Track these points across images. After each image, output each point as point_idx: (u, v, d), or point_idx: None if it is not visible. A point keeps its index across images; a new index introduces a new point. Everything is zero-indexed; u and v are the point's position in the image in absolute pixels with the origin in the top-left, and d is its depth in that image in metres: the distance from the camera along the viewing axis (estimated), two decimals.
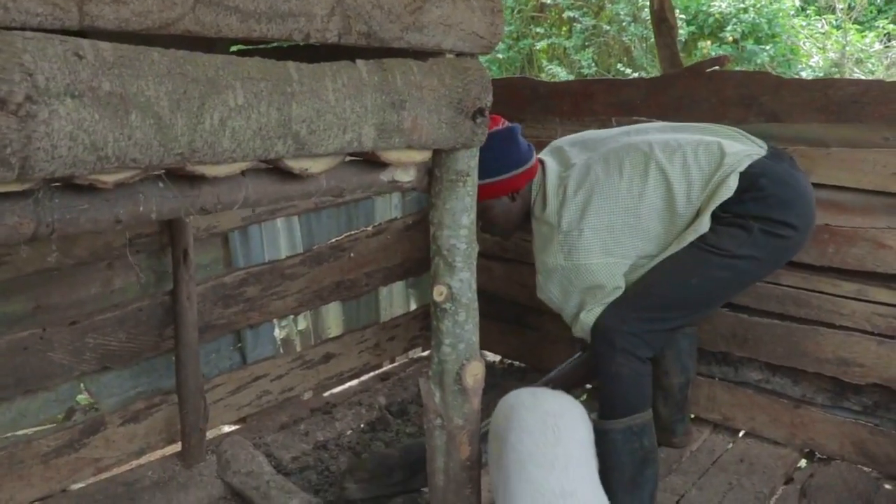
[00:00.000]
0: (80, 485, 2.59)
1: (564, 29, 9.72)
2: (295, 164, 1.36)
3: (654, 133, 2.46)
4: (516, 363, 3.61)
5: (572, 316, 2.41)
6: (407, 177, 1.67)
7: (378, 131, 1.42)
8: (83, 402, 2.67)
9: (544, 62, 9.34)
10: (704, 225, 2.25)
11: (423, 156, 1.61)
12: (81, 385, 2.59)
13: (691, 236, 2.27)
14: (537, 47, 9.52)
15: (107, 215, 1.19)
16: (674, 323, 2.33)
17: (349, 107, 1.35)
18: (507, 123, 2.42)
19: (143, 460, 2.73)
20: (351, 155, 1.51)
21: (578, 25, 9.35)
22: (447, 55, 1.58)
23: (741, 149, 2.31)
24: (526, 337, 3.46)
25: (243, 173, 1.35)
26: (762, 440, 2.79)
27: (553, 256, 2.37)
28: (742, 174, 2.22)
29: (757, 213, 2.22)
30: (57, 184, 1.14)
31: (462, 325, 1.77)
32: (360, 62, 1.39)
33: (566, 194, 2.37)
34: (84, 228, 1.18)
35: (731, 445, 2.80)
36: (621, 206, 2.31)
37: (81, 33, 1.05)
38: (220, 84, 1.16)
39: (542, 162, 2.50)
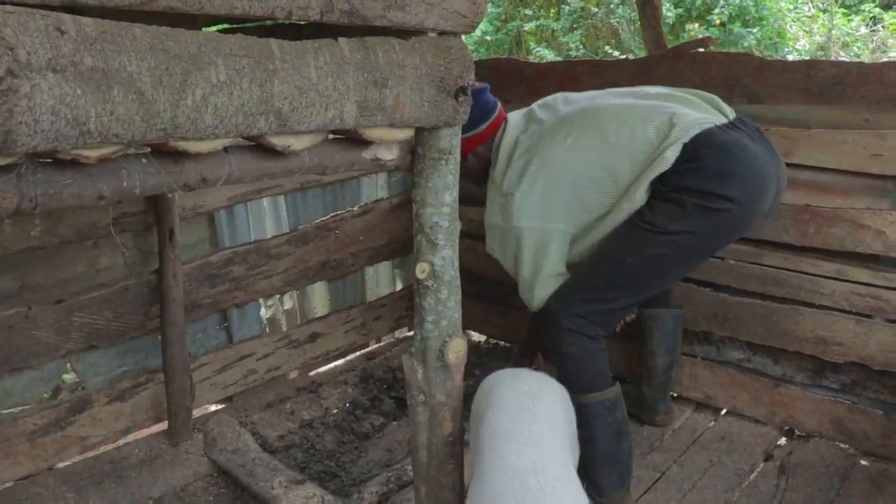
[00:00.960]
0: (66, 463, 2.61)
1: (553, 11, 9.69)
2: (277, 141, 1.37)
3: (618, 98, 2.43)
4: (501, 343, 3.64)
5: (524, 281, 2.40)
6: (390, 155, 1.68)
7: (360, 109, 1.43)
8: (69, 380, 2.69)
9: (532, 44, 9.32)
10: (639, 195, 2.21)
11: (405, 134, 1.62)
12: (67, 364, 2.60)
13: (625, 205, 2.24)
14: (525, 29, 9.49)
15: (90, 190, 1.20)
16: (620, 303, 2.31)
17: (331, 84, 1.36)
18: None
19: (129, 438, 2.76)
20: (334, 133, 1.52)
21: (567, 7, 9.32)
22: (429, 34, 1.58)
23: (695, 118, 2.23)
24: (511, 317, 3.49)
25: (226, 150, 1.36)
26: (743, 418, 2.83)
27: (493, 215, 2.41)
28: (686, 144, 2.17)
29: (694, 185, 2.16)
30: (40, 159, 1.14)
31: (444, 302, 1.79)
32: (342, 40, 1.39)
33: (513, 156, 2.39)
34: (67, 203, 1.19)
35: (712, 423, 2.84)
36: (559, 173, 2.29)
37: (68, 9, 1.06)
38: (203, 60, 1.17)
39: (506, 120, 2.50)
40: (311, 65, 1.32)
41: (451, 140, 1.69)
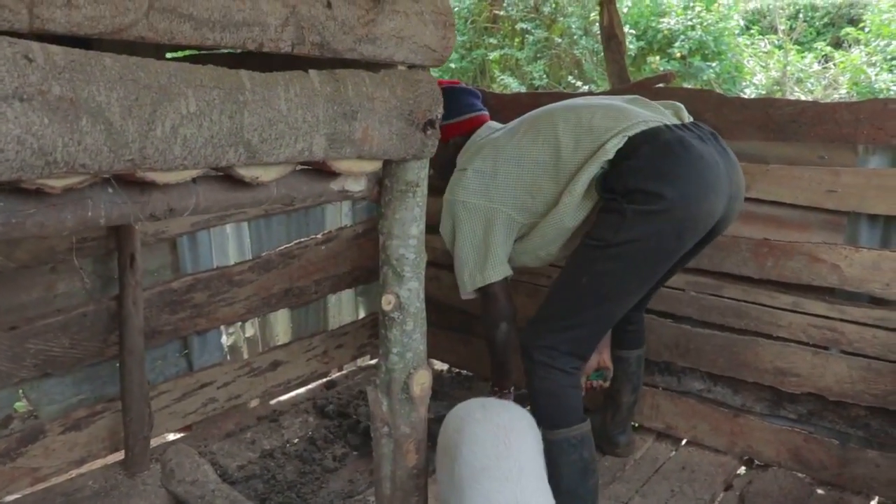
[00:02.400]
0: (16, 496, 2.53)
1: (517, 40, 9.82)
2: (246, 173, 1.37)
3: (579, 100, 2.52)
4: (464, 372, 3.64)
5: (459, 260, 2.45)
6: (357, 186, 1.68)
7: (329, 141, 1.43)
8: (21, 409, 2.62)
9: (497, 73, 9.43)
10: (579, 188, 2.20)
11: (373, 166, 1.63)
12: (20, 392, 2.53)
13: (566, 198, 2.23)
14: (490, 58, 9.60)
15: (54, 220, 1.18)
16: (588, 327, 2.25)
17: (301, 116, 1.36)
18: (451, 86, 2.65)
19: (84, 469, 2.69)
20: (302, 164, 1.52)
21: (531, 37, 9.46)
22: (399, 67, 1.60)
23: (644, 115, 2.23)
24: (473, 346, 3.49)
25: (194, 180, 1.35)
26: (703, 448, 2.86)
27: (447, 191, 2.49)
28: (630, 138, 2.15)
29: (632, 185, 2.10)
30: (2, 188, 1.12)
31: (410, 334, 1.78)
32: (312, 72, 1.40)
33: (475, 143, 2.50)
34: (30, 233, 1.17)
35: (673, 453, 2.86)
36: (508, 156, 2.36)
37: (37, 37, 1.05)
38: (173, 91, 1.16)
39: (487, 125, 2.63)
40: (282, 97, 1.33)
41: (418, 173, 1.70)
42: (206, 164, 1.25)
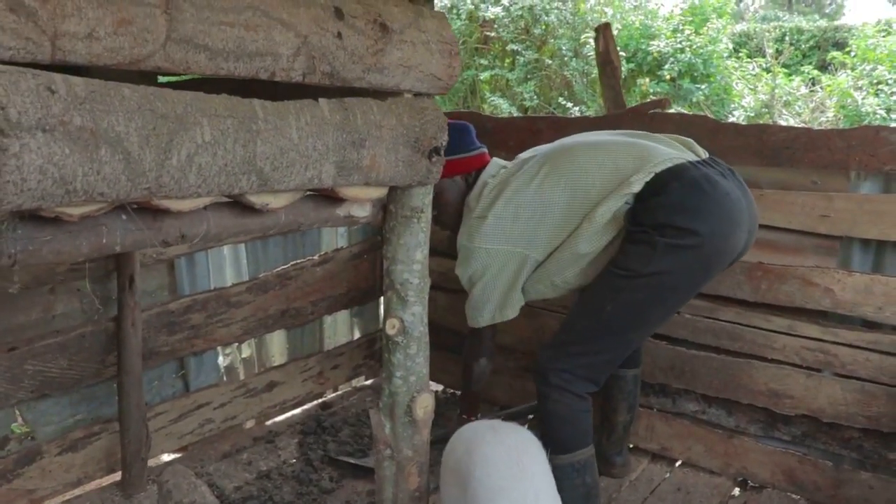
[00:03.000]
0: None
1: (507, 61, 9.91)
2: (256, 200, 1.39)
3: (594, 136, 2.53)
4: (458, 392, 3.64)
5: (475, 297, 2.49)
6: (363, 212, 1.71)
7: (338, 168, 1.46)
8: (18, 430, 2.61)
9: (487, 93, 9.50)
10: (599, 215, 2.23)
11: (379, 192, 1.65)
12: (17, 413, 2.52)
13: (585, 224, 2.27)
14: (480, 78, 9.68)
15: (69, 247, 1.20)
16: (605, 355, 2.30)
17: (311, 145, 1.38)
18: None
19: (80, 491, 2.67)
20: (310, 191, 1.54)
21: (521, 58, 9.55)
22: (405, 95, 1.63)
23: (668, 153, 2.27)
24: None
25: (205, 207, 1.37)
26: (698, 469, 2.88)
27: (463, 237, 2.50)
28: (658, 175, 2.19)
29: (663, 220, 2.15)
30: (21, 215, 1.14)
31: (413, 357, 1.81)
32: (322, 101, 1.42)
33: (488, 184, 2.50)
34: (46, 260, 1.18)
35: (668, 475, 2.88)
36: (530, 198, 2.36)
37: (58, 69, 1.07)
38: (189, 121, 1.18)
39: (491, 162, 2.63)
40: (293, 125, 1.35)
41: (423, 199, 1.72)
42: (220, 192, 1.28)
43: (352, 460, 2.89)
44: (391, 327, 1.77)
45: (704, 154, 2.36)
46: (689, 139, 2.42)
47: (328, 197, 1.60)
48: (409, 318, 1.76)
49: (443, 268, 3.17)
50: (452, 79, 1.68)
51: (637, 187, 2.20)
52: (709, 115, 2.90)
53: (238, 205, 1.43)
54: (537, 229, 2.36)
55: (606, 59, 3.06)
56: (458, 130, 2.51)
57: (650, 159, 2.24)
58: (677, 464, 2.94)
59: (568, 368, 2.26)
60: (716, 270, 2.27)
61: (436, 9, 1.75)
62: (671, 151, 2.30)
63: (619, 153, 2.31)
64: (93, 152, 1.07)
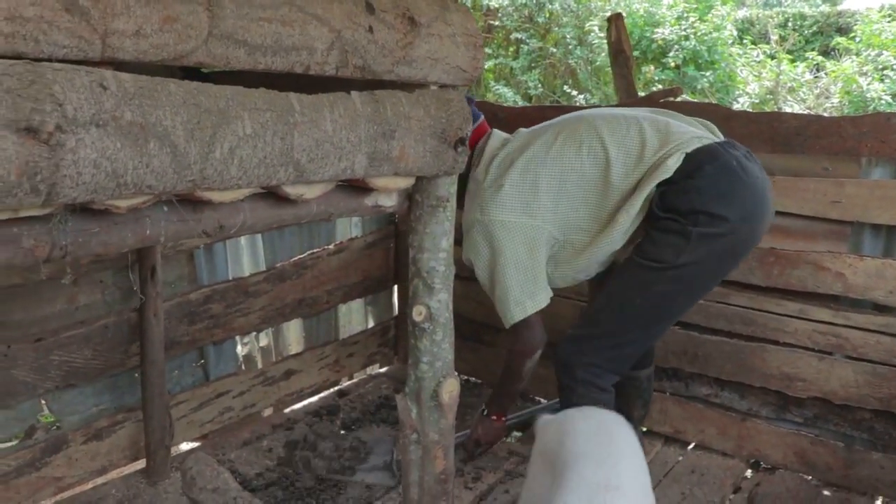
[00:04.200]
0: None
1: (511, 50, 9.92)
2: (292, 191, 1.42)
3: (608, 110, 2.45)
4: (472, 379, 3.69)
5: (501, 289, 2.29)
6: (390, 202, 1.74)
7: (370, 160, 1.49)
8: (45, 420, 2.65)
9: (491, 82, 9.52)
10: (636, 203, 2.14)
11: (407, 182, 1.69)
12: (42, 402, 2.57)
13: (622, 217, 2.16)
14: (485, 67, 9.69)
15: (116, 239, 1.23)
16: (633, 346, 2.27)
17: (345, 136, 1.42)
18: None
19: (106, 478, 2.72)
20: (341, 181, 1.58)
21: (525, 47, 9.57)
22: (431, 87, 1.66)
23: (693, 132, 2.21)
24: (482, 353, 3.55)
25: (242, 198, 1.41)
26: (711, 452, 2.93)
27: (472, 212, 2.32)
28: (688, 156, 2.12)
29: (697, 206, 2.08)
30: (72, 208, 1.17)
31: (439, 343, 1.84)
32: (354, 94, 1.46)
33: (498, 155, 2.35)
34: (94, 251, 1.22)
35: (681, 457, 2.92)
36: (549, 169, 2.23)
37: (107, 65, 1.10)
38: (230, 114, 1.22)
39: (492, 132, 2.50)
40: (328, 118, 1.38)
41: (448, 188, 1.76)
42: (259, 184, 1.31)
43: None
44: (418, 314, 1.80)
45: (722, 136, 2.31)
46: (706, 121, 2.38)
47: (357, 187, 1.63)
48: (435, 304, 1.80)
49: (456, 255, 3.20)
50: (477, 70, 1.71)
51: (671, 172, 2.11)
52: (719, 104, 2.91)
53: (272, 195, 1.47)
54: (560, 202, 2.23)
55: (619, 49, 3.09)
56: None
57: (677, 137, 2.16)
58: (690, 446, 2.99)
59: (596, 363, 2.22)
60: (743, 256, 2.24)
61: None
62: (696, 131, 2.23)
63: (643, 128, 2.21)
64: (142, 146, 1.11)
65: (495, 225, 2.27)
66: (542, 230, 2.24)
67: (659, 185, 2.13)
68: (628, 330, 2.23)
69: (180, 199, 1.31)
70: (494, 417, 2.70)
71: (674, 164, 2.11)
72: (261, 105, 1.27)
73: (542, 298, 2.32)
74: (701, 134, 2.22)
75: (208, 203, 1.32)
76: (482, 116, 2.59)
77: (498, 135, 2.50)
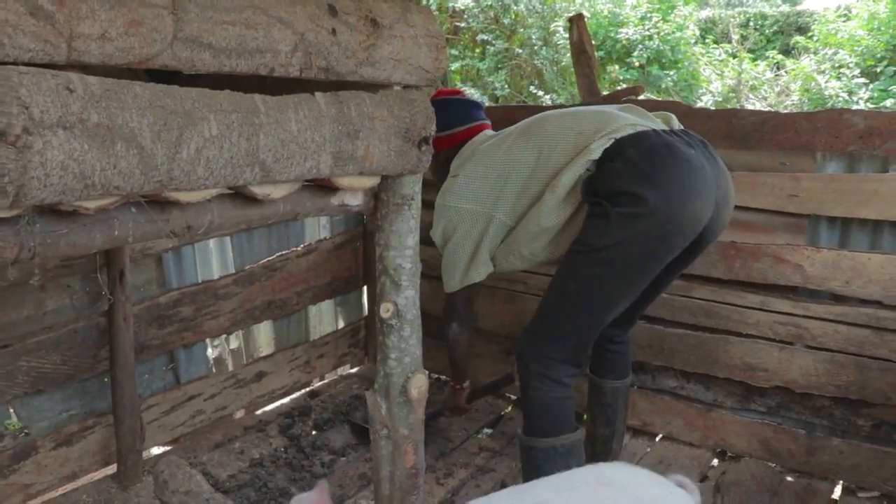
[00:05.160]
0: None
1: (478, 51, 9.98)
2: (259, 190, 1.45)
3: (574, 108, 2.57)
4: (443, 377, 3.72)
5: (447, 259, 2.52)
6: (356, 201, 1.77)
7: (335, 159, 1.52)
8: (13, 426, 2.64)
9: (458, 83, 9.56)
10: (562, 184, 2.21)
11: (372, 181, 1.72)
12: (10, 409, 2.56)
13: (548, 195, 2.25)
14: (451, 69, 9.73)
15: (84, 240, 1.25)
16: (578, 336, 2.26)
17: (310, 137, 1.44)
18: (449, 97, 2.74)
19: (76, 484, 2.71)
20: (307, 181, 1.60)
21: (491, 48, 9.63)
22: (395, 87, 1.69)
23: (633, 121, 2.23)
24: None
25: (209, 199, 1.43)
26: (678, 442, 2.99)
27: (439, 196, 2.53)
28: (618, 140, 2.15)
29: (616, 187, 2.10)
30: (40, 209, 1.19)
31: (407, 339, 1.87)
32: (318, 95, 1.48)
33: (469, 149, 2.55)
34: (63, 252, 1.23)
35: (649, 449, 2.98)
36: (497, 161, 2.39)
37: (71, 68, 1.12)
38: (196, 116, 1.24)
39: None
40: (293, 119, 1.41)
41: (413, 186, 1.79)
42: (226, 184, 1.33)
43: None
44: (385, 311, 1.83)
45: (678, 127, 2.33)
46: (670, 114, 2.40)
47: (323, 186, 1.66)
48: (402, 301, 1.83)
49: (424, 255, 3.23)
50: (440, 71, 1.74)
51: (597, 154, 2.16)
52: (680, 102, 2.98)
53: (240, 196, 1.49)
54: (503, 190, 2.36)
55: (580, 49, 3.14)
56: (448, 105, 2.63)
57: (612, 125, 2.21)
58: (658, 438, 3.05)
59: (547, 354, 2.24)
60: (676, 241, 2.16)
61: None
62: (637, 119, 2.27)
63: (584, 118, 2.30)
64: (109, 148, 1.12)
65: (450, 210, 2.46)
66: (489, 217, 2.39)
67: (589, 171, 2.20)
68: (569, 318, 2.24)
69: (148, 199, 1.33)
70: (452, 384, 2.99)
71: (598, 147, 2.16)
72: (226, 106, 1.30)
73: (477, 275, 2.48)
74: (640, 122, 2.23)
75: (176, 203, 1.34)
76: (484, 120, 2.72)
77: (484, 134, 2.65)
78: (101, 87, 1.12)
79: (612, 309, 2.24)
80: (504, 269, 2.51)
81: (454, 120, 2.65)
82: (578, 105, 3.02)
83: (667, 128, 2.26)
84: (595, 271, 2.16)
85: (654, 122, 2.29)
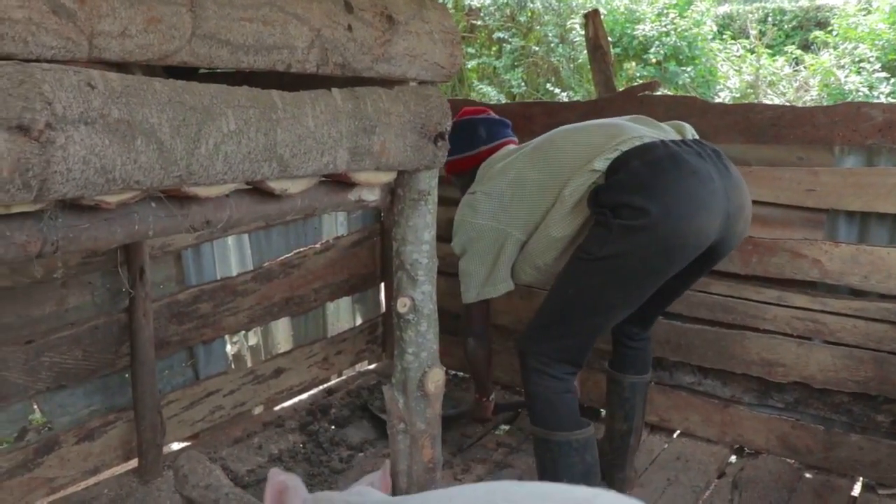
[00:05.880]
0: None
1: (494, 49, 9.97)
2: (276, 185, 1.46)
3: (587, 122, 2.55)
4: (460, 374, 3.73)
5: (464, 272, 2.57)
6: (372, 196, 1.78)
7: (351, 154, 1.53)
8: (36, 421, 2.68)
9: (475, 81, 9.56)
10: (567, 195, 2.24)
11: (388, 177, 1.73)
12: (34, 404, 2.59)
13: (557, 206, 2.29)
14: (468, 67, 9.73)
15: (105, 234, 1.27)
16: (576, 338, 2.27)
17: (327, 132, 1.46)
18: (474, 116, 2.76)
19: (98, 478, 2.74)
20: (324, 176, 1.62)
21: (508, 46, 9.61)
22: (411, 83, 1.70)
23: (641, 132, 2.22)
24: None
25: (228, 194, 1.44)
26: (695, 438, 2.99)
27: (458, 212, 2.58)
28: (625, 153, 2.15)
29: (619, 199, 2.09)
30: (62, 204, 1.21)
31: (424, 334, 1.89)
32: (335, 91, 1.50)
33: (490, 166, 2.59)
34: (85, 247, 1.25)
35: (667, 445, 2.98)
36: (513, 178, 2.43)
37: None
38: (215, 112, 1.26)
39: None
40: (309, 114, 1.43)
41: (429, 182, 1.80)
42: (244, 179, 1.35)
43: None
44: (402, 306, 1.85)
45: (691, 137, 2.32)
46: (684, 124, 2.40)
47: (340, 182, 1.67)
48: (419, 296, 1.84)
49: (440, 252, 3.25)
50: (455, 67, 1.75)
51: (601, 165, 2.17)
52: (696, 97, 2.97)
53: (258, 191, 1.51)
54: (516, 206, 2.40)
55: (596, 44, 3.14)
56: (480, 124, 2.69)
57: (620, 137, 2.21)
58: (675, 434, 3.04)
59: (544, 351, 2.26)
60: (678, 255, 2.12)
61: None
62: (646, 130, 2.26)
63: (594, 132, 2.32)
64: (130, 143, 1.14)
65: (468, 226, 2.51)
66: (505, 234, 2.43)
67: (595, 183, 2.21)
68: (567, 321, 2.26)
69: (168, 194, 1.35)
70: (477, 396, 3.01)
71: (601, 164, 2.18)
72: (244, 102, 1.31)
73: (494, 290, 2.53)
74: (649, 133, 2.23)
75: (195, 199, 1.36)
76: (505, 138, 2.73)
77: (507, 150, 2.67)
78: (121, 84, 1.14)
79: (612, 315, 2.25)
80: (523, 282, 2.55)
81: (480, 140, 2.69)
82: (595, 101, 3.03)
83: (678, 138, 2.25)
84: (594, 280, 2.18)
85: (664, 133, 2.28)
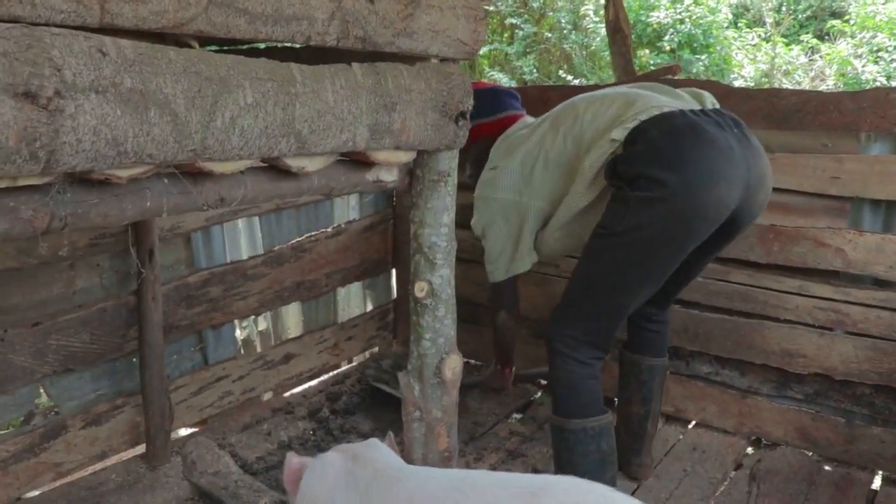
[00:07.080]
0: (39, 491, 2.55)
1: (506, 35, 9.88)
2: (293, 163, 1.41)
3: (604, 90, 2.53)
4: (472, 361, 3.69)
5: (490, 251, 2.57)
6: (390, 177, 1.73)
7: (371, 132, 1.48)
8: (43, 405, 2.64)
9: (486, 68, 9.48)
10: (587, 166, 2.20)
11: (408, 156, 1.67)
12: (41, 388, 2.55)
13: (578, 178, 2.26)
14: (479, 53, 9.65)
15: (116, 210, 1.22)
16: (603, 320, 2.22)
17: (346, 108, 1.40)
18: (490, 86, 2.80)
19: (105, 463, 2.71)
20: (341, 155, 1.56)
21: (520, 32, 9.52)
22: (432, 60, 1.64)
23: (660, 101, 2.18)
24: (482, 335, 3.53)
25: (242, 171, 1.39)
26: (712, 429, 2.93)
27: (477, 188, 2.57)
28: (643, 122, 2.09)
29: (636, 171, 2.05)
30: (70, 178, 1.16)
31: (441, 319, 1.84)
32: (355, 65, 1.44)
33: (508, 139, 2.57)
34: (94, 223, 1.20)
35: (682, 435, 2.93)
36: (532, 152, 2.42)
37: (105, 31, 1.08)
38: (231, 83, 1.20)
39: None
40: (329, 89, 1.37)
41: (449, 163, 1.75)
42: (260, 155, 1.30)
43: (387, 389, 3.12)
44: (420, 290, 1.80)
45: (711, 106, 2.25)
46: (703, 92, 2.32)
47: (358, 161, 1.62)
48: (437, 280, 1.79)
49: (458, 236, 3.20)
50: (478, 44, 1.69)
51: (619, 134, 2.11)
52: (718, 82, 2.90)
53: (273, 168, 1.46)
54: (539, 178, 2.39)
55: (616, 28, 3.07)
56: (479, 95, 2.56)
57: (638, 105, 2.16)
58: (691, 424, 2.99)
59: (571, 334, 2.22)
60: (699, 225, 2.07)
61: None
62: (665, 99, 2.21)
63: (612, 101, 2.27)
64: (142, 114, 1.09)
65: (490, 202, 2.50)
66: (529, 206, 2.42)
67: (614, 153, 2.15)
68: (591, 301, 2.22)
69: (181, 170, 1.29)
70: (499, 367, 3.13)
71: (623, 129, 2.11)
72: (262, 74, 1.26)
73: (522, 265, 2.53)
74: (668, 103, 2.16)
75: (209, 175, 1.31)
76: (521, 109, 2.74)
77: (522, 122, 2.66)
78: (134, 51, 1.09)
79: (636, 293, 2.19)
80: (546, 255, 2.54)
81: (492, 108, 2.66)
82: (611, 84, 2.96)
83: (698, 107, 2.18)
84: (615, 256, 2.13)
85: (684, 102, 2.22)
